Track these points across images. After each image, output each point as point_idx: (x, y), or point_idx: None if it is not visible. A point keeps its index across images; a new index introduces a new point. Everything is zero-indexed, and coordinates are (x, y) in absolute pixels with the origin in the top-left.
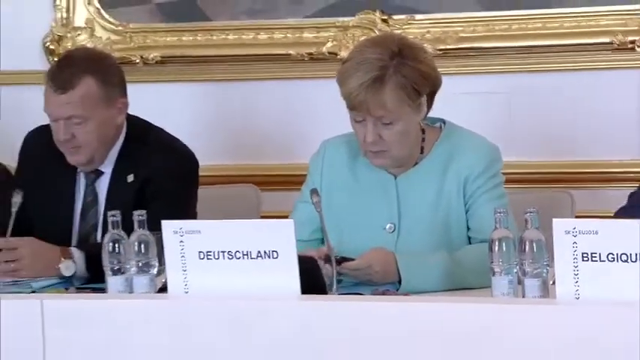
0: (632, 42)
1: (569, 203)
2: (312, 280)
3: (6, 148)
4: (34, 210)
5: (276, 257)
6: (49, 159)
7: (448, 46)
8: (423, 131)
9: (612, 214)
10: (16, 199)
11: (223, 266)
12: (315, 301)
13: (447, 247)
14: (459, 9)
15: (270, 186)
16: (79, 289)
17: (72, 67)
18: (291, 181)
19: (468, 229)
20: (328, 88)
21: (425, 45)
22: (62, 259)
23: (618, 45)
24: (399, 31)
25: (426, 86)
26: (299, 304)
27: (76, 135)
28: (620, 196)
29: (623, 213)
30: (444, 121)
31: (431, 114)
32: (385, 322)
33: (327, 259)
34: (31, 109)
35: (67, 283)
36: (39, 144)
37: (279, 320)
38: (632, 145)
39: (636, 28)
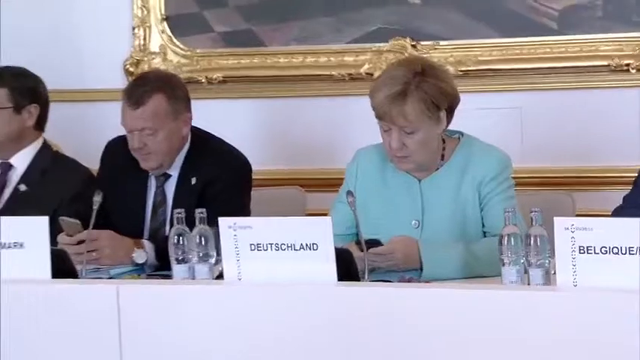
0: (627, 65)
1: (570, 204)
2: (347, 269)
3: (90, 154)
4: (112, 207)
5: (316, 249)
6: (125, 164)
7: (468, 68)
8: (444, 141)
9: (609, 214)
10: (97, 198)
11: (271, 257)
12: (350, 287)
13: (464, 241)
14: (478, 36)
15: (313, 188)
16: (150, 276)
17: (145, 86)
18: (331, 183)
19: (483, 225)
20: (364, 104)
21: (447, 67)
22: (136, 249)
23: (615, 67)
24: (425, 55)
25: (444, 101)
26: (335, 289)
27: (147, 144)
28: (615, 197)
29: (618, 213)
30: (462, 133)
31: (453, 126)
32: (409, 304)
33: (361, 250)
34: (111, 121)
35: (139, 270)
36: (117, 151)
37: (318, 303)
38: (627, 153)
39: (630, 53)
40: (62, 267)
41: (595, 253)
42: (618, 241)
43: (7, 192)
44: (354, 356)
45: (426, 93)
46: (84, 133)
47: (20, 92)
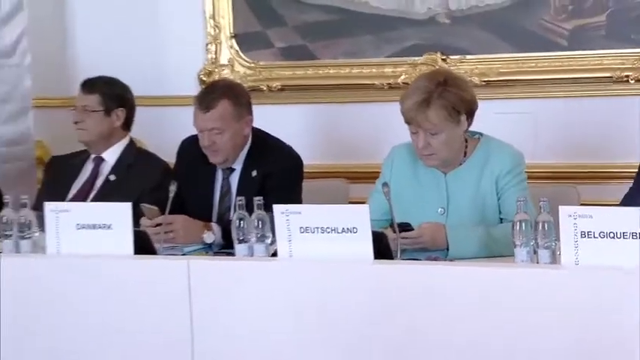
0: (627, 76)
1: (576, 195)
2: (382, 249)
3: (168, 150)
4: (185, 195)
5: (356, 232)
6: (197, 159)
7: (490, 79)
8: (466, 140)
9: (609, 204)
10: (173, 187)
11: (317, 238)
12: (384, 264)
13: (483, 225)
14: (499, 51)
15: (354, 180)
16: (216, 253)
17: (213, 93)
18: (369, 176)
19: (499, 212)
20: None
21: (472, 77)
22: (205, 231)
23: (616, 78)
24: (453, 68)
25: (464, 107)
26: (372, 267)
27: (215, 142)
28: (614, 189)
29: (628, 199)
30: (481, 134)
31: (476, 128)
32: (436, 279)
33: (394, 232)
34: (185, 123)
35: (208, 248)
36: (190, 148)
37: (357, 278)
38: (625, 152)
39: (630, 66)
40: (143, 245)
41: (594, 237)
42: (614, 227)
43: (99, 181)
44: (387, 322)
45: (448, 100)
46: (163, 132)
47: (110, 98)
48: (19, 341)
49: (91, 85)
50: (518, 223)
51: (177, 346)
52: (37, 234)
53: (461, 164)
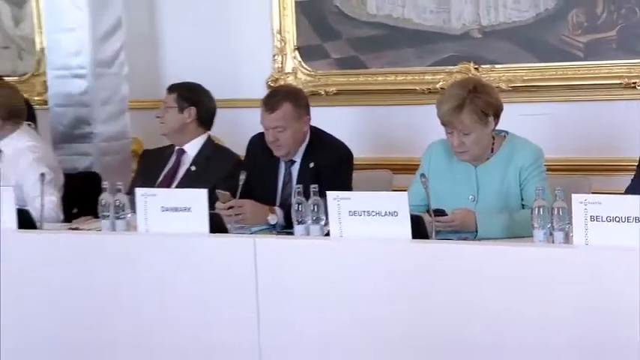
0: (634, 83)
1: (588, 185)
2: (419, 231)
3: (240, 145)
4: (253, 183)
5: (397, 215)
6: (263, 153)
7: (516, 85)
8: (494, 138)
9: (616, 193)
10: (243, 176)
11: (363, 221)
12: (421, 243)
13: (507, 211)
14: (523, 61)
15: (398, 171)
16: (279, 233)
17: (277, 97)
18: (410, 168)
19: (522, 199)
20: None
21: (500, 84)
22: (270, 214)
23: (625, 85)
24: (484, 76)
25: (491, 110)
26: (410, 245)
27: (279, 138)
28: (622, 180)
29: (629, 189)
30: (507, 132)
31: (502, 127)
32: (465, 256)
33: (430, 216)
34: (256, 122)
35: (271, 228)
36: (257, 143)
37: (397, 255)
38: (631, 148)
39: (637, 74)
40: (217, 226)
41: (602, 221)
42: (620, 212)
43: (182, 171)
44: (422, 292)
45: (477, 105)
46: (236, 129)
47: (184, 98)
48: (116, 305)
49: (172, 87)
50: (536, 209)
51: (243, 310)
52: (129, 215)
53: (489, 159)
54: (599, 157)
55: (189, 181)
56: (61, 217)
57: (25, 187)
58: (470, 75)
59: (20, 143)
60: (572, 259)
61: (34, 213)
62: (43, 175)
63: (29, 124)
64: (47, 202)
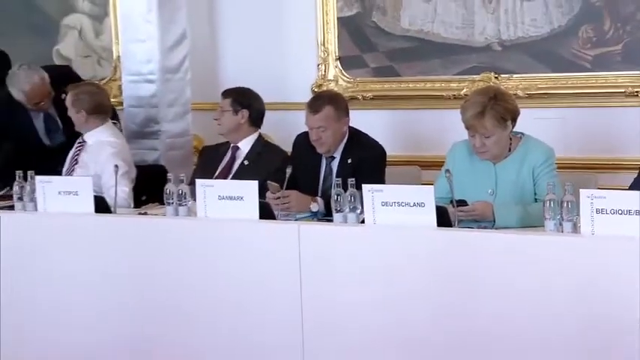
0: (637, 92)
1: (594, 181)
2: (444, 219)
3: (287, 142)
4: (298, 176)
5: (424, 206)
6: (307, 149)
7: (531, 92)
8: (511, 139)
9: (620, 188)
10: (289, 170)
11: (395, 210)
12: (445, 231)
13: (522, 203)
14: (538, 72)
15: (425, 167)
16: (320, 220)
17: (320, 100)
18: (437, 164)
19: (535, 193)
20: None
21: (518, 91)
22: (312, 203)
23: (628, 93)
24: (503, 85)
25: (509, 116)
26: (435, 232)
27: (321, 137)
28: (624, 177)
29: (632, 186)
30: (523, 134)
31: (519, 129)
32: (485, 243)
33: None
34: (301, 122)
35: (313, 216)
36: (302, 141)
37: (423, 240)
38: (633, 149)
39: (639, 84)
40: (266, 213)
41: (607, 213)
42: (622, 206)
43: (236, 165)
44: (446, 274)
45: (497, 112)
46: (284, 129)
47: (237, 102)
48: (178, 279)
49: (226, 92)
50: (548, 202)
51: (288, 286)
52: (190, 202)
53: (507, 157)
54: (604, 157)
55: (243, 173)
56: (132, 204)
57: (103, 178)
58: (490, 83)
59: (103, 137)
60: (579, 247)
61: (109, 200)
62: (116, 166)
63: (115, 123)
64: (120, 191)
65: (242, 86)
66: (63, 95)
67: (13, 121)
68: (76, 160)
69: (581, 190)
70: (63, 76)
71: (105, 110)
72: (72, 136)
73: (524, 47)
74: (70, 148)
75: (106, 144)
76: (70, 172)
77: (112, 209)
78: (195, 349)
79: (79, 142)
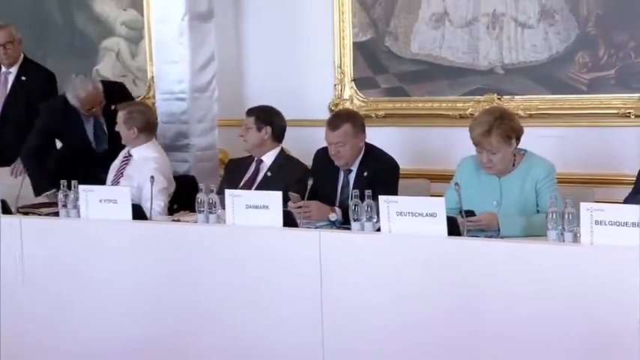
0: (629, 113)
1: (591, 195)
2: (453, 228)
3: (307, 157)
4: (318, 187)
5: (435, 216)
6: (327, 163)
7: (532, 112)
8: (515, 155)
9: (616, 202)
10: (310, 182)
11: (408, 220)
12: (454, 239)
13: (525, 215)
14: (538, 93)
15: (435, 180)
16: (338, 228)
17: (339, 118)
18: (446, 178)
19: (537, 205)
20: (467, 133)
21: (519, 112)
22: (331, 212)
23: (621, 114)
24: (505, 105)
25: (514, 134)
26: (445, 240)
27: (340, 152)
28: (619, 192)
29: (629, 199)
30: (526, 150)
31: (522, 146)
32: (491, 251)
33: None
34: (320, 138)
35: (332, 224)
36: (322, 155)
37: (434, 248)
38: (626, 165)
39: (631, 105)
40: (289, 221)
41: (605, 224)
42: (619, 218)
43: (260, 176)
44: (455, 279)
45: (503, 130)
46: (304, 143)
47: (261, 119)
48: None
49: (250, 111)
50: (550, 214)
51: (309, 288)
52: (219, 211)
53: (511, 172)
54: (599, 172)
55: (266, 184)
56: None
57: (144, 190)
58: (494, 104)
59: (147, 153)
60: (579, 255)
61: (147, 211)
62: (152, 177)
63: None
64: (156, 205)
65: (264, 104)
66: (113, 107)
67: (67, 123)
68: (122, 173)
69: (581, 203)
70: (116, 90)
71: (153, 128)
72: (115, 146)
73: (525, 71)
74: (113, 156)
75: (151, 160)
76: (115, 184)
77: (149, 217)
78: (220, 348)
79: (125, 157)
